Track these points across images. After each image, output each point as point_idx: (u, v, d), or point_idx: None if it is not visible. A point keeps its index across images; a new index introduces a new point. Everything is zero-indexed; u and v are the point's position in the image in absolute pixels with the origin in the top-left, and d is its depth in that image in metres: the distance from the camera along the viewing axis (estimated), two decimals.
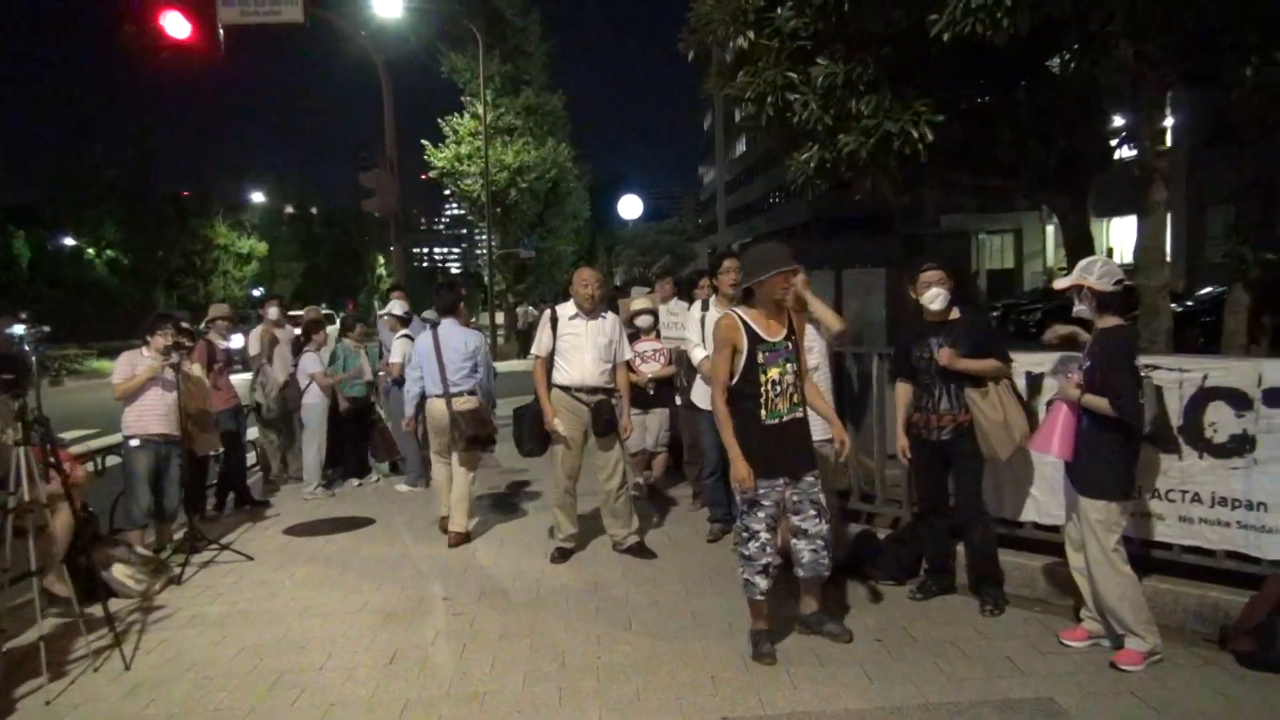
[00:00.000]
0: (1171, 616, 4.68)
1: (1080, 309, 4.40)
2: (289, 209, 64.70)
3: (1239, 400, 4.61)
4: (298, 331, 9.49)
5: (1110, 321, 4.38)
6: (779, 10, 6.58)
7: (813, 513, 4.53)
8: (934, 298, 5.02)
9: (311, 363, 8.85)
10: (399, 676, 4.53)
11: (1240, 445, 4.60)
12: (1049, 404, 5.08)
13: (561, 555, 6.29)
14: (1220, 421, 4.66)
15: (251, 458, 9.47)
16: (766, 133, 7.12)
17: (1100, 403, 4.24)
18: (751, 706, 4.06)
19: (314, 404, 8.79)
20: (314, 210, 67.68)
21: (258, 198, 57.40)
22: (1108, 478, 4.32)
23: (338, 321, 15.82)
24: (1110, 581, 4.31)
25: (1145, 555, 4.77)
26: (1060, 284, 4.49)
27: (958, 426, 5.01)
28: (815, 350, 5.50)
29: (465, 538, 6.90)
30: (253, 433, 9.37)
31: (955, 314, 5.09)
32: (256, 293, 50.85)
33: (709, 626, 4.97)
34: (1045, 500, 5.23)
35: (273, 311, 9.51)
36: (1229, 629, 4.42)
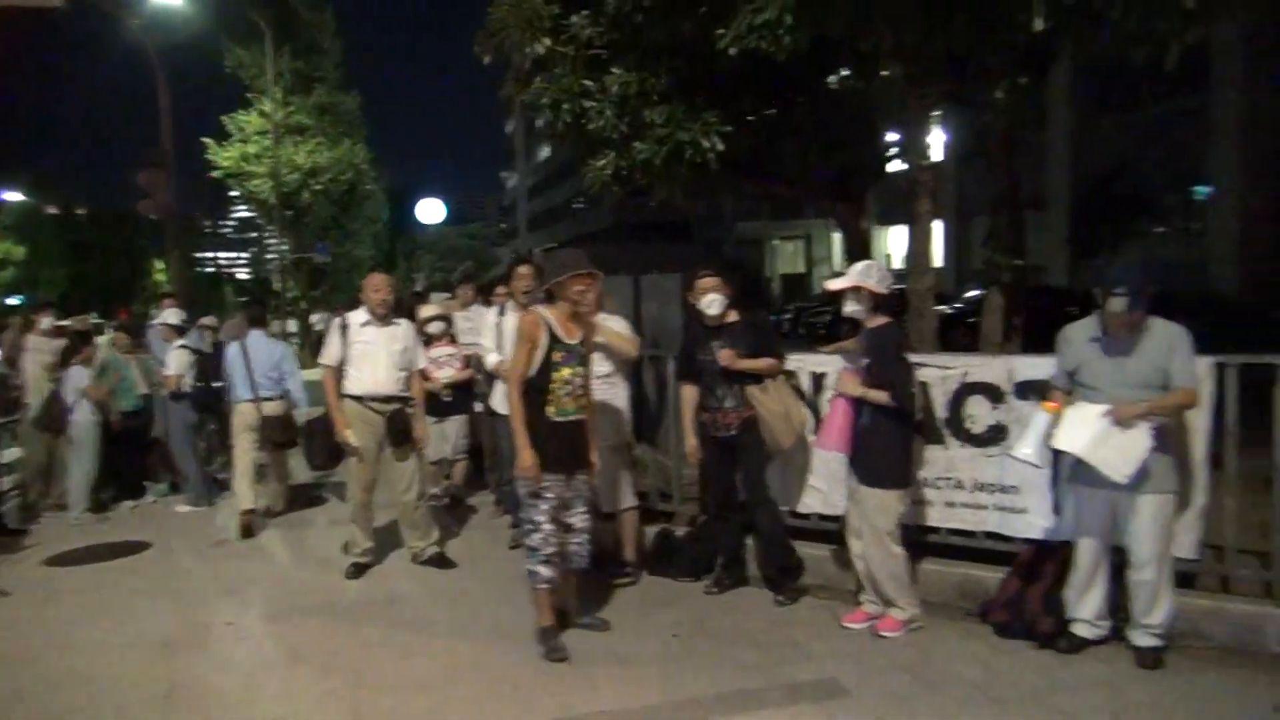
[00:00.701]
0: (939, 594, 5.07)
1: (854, 309, 4.71)
2: (51, 209, 59.30)
3: (994, 394, 5.06)
4: (62, 342, 8.75)
5: (880, 320, 4.72)
6: (574, 18, 6.65)
7: (582, 509, 4.81)
8: (710, 303, 5.25)
9: (79, 376, 8.16)
10: (176, 711, 4.24)
11: (995, 434, 5.05)
12: (831, 400, 5.40)
13: (357, 570, 6.08)
14: (978, 414, 5.10)
15: (7, 481, 8.61)
16: (564, 139, 7.18)
17: (880, 395, 4.57)
18: (552, 711, 4.08)
19: (83, 422, 8.11)
20: (81, 212, 62.32)
21: (13, 196, 52.28)
22: (887, 468, 4.67)
23: (110, 332, 14.70)
24: (882, 560, 4.70)
25: (919, 540, 5.15)
26: (835, 285, 4.79)
27: (744, 422, 5.23)
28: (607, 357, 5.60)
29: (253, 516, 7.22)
30: (11, 453, 8.52)
31: (733, 317, 5.33)
32: (13, 301, 46.27)
33: (510, 634, 4.95)
34: (829, 493, 5.53)
35: (45, 321, 8.88)
36: (988, 603, 4.83)
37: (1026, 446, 4.35)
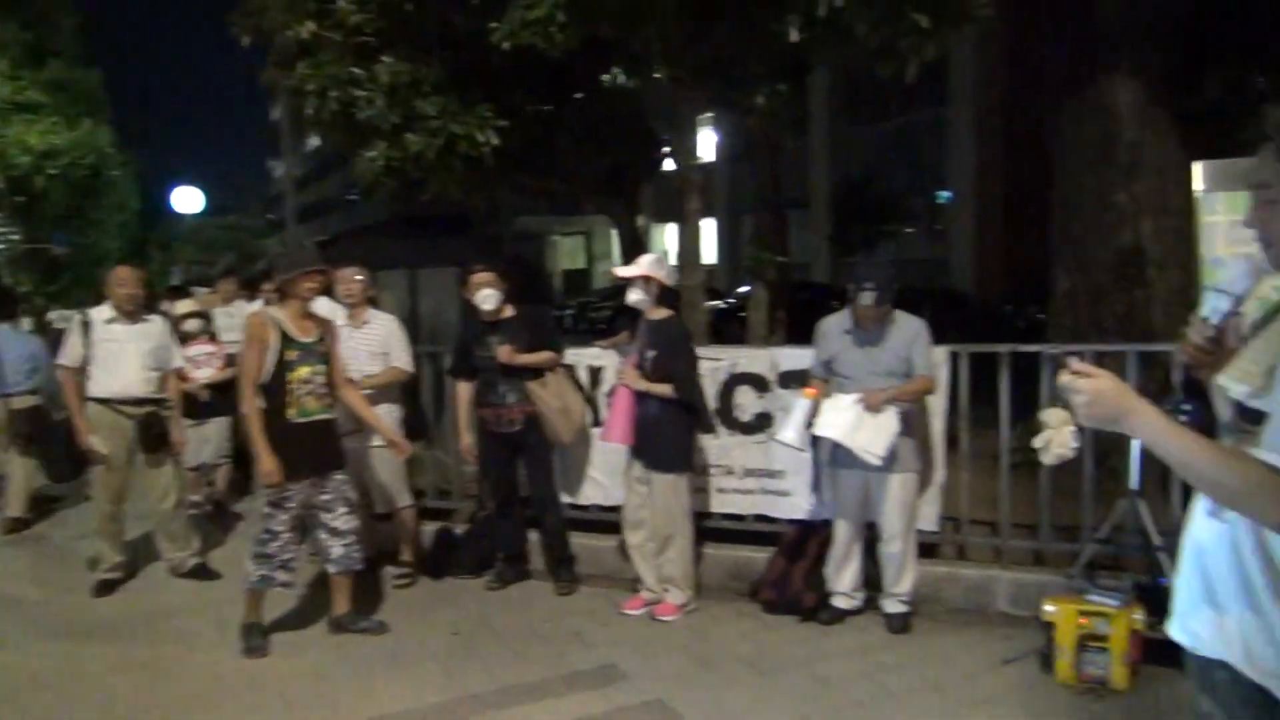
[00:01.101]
0: (713, 576, 5.29)
1: (639, 299, 4.83)
2: None
3: (760, 384, 5.33)
4: None
5: (664, 313, 4.88)
6: (340, 3, 6.40)
7: (344, 510, 4.70)
8: (485, 298, 5.23)
9: None
10: None
11: (762, 422, 5.33)
12: (609, 394, 5.52)
13: (105, 587, 5.60)
14: (746, 403, 5.36)
15: None
16: (332, 129, 6.92)
17: (664, 389, 4.72)
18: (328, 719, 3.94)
19: None
20: None
21: None
22: (676, 453, 4.85)
23: None
24: (678, 545, 4.87)
25: (697, 526, 5.34)
26: (626, 271, 4.91)
27: (526, 417, 5.25)
28: (380, 351, 5.44)
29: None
30: None
31: (510, 312, 5.34)
32: None
33: (281, 644, 4.73)
34: (608, 484, 5.64)
35: None
36: (757, 582, 5.09)
37: (789, 431, 4.61)
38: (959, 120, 20.94)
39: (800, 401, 4.61)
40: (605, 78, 7.16)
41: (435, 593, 5.44)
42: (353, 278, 5.44)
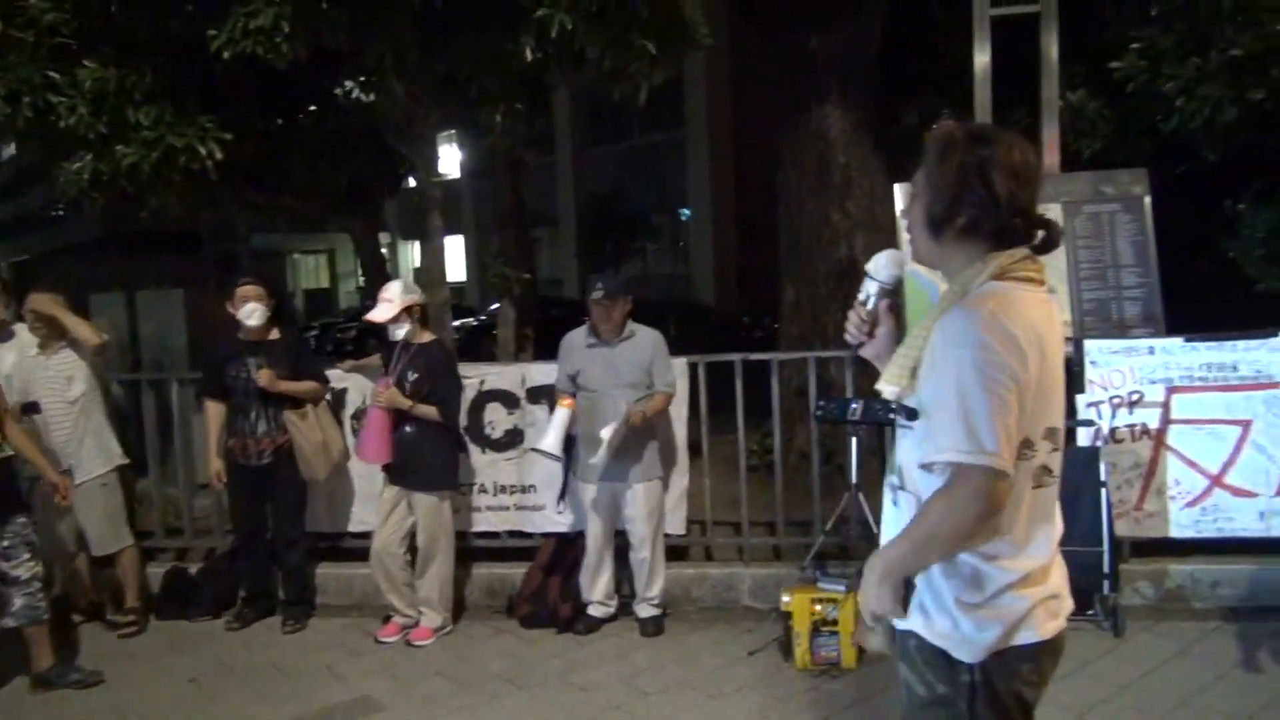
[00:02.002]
0: (470, 596, 5.25)
1: (406, 330, 4.72)
2: None
3: (510, 400, 5.35)
4: None
5: (428, 336, 4.84)
6: (31, 0, 5.80)
7: (26, 556, 4.29)
8: (250, 313, 4.95)
9: None
10: None
11: (514, 438, 5.35)
12: (354, 416, 5.36)
13: None
14: (497, 419, 5.36)
15: None
16: (27, 137, 6.24)
17: (429, 410, 4.66)
18: None
19: None
20: None
21: None
22: (439, 472, 4.79)
23: None
24: (437, 566, 4.79)
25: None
26: (380, 317, 4.73)
27: (277, 449, 4.98)
28: (78, 378, 4.95)
29: None
30: None
31: (275, 334, 5.07)
32: None
33: None
34: (360, 511, 5.45)
35: None
36: (514, 598, 5.10)
37: (549, 439, 4.64)
38: (695, 141, 21.97)
39: (559, 411, 4.66)
40: (339, 91, 6.92)
41: (168, 638, 5.03)
42: (40, 305, 4.90)
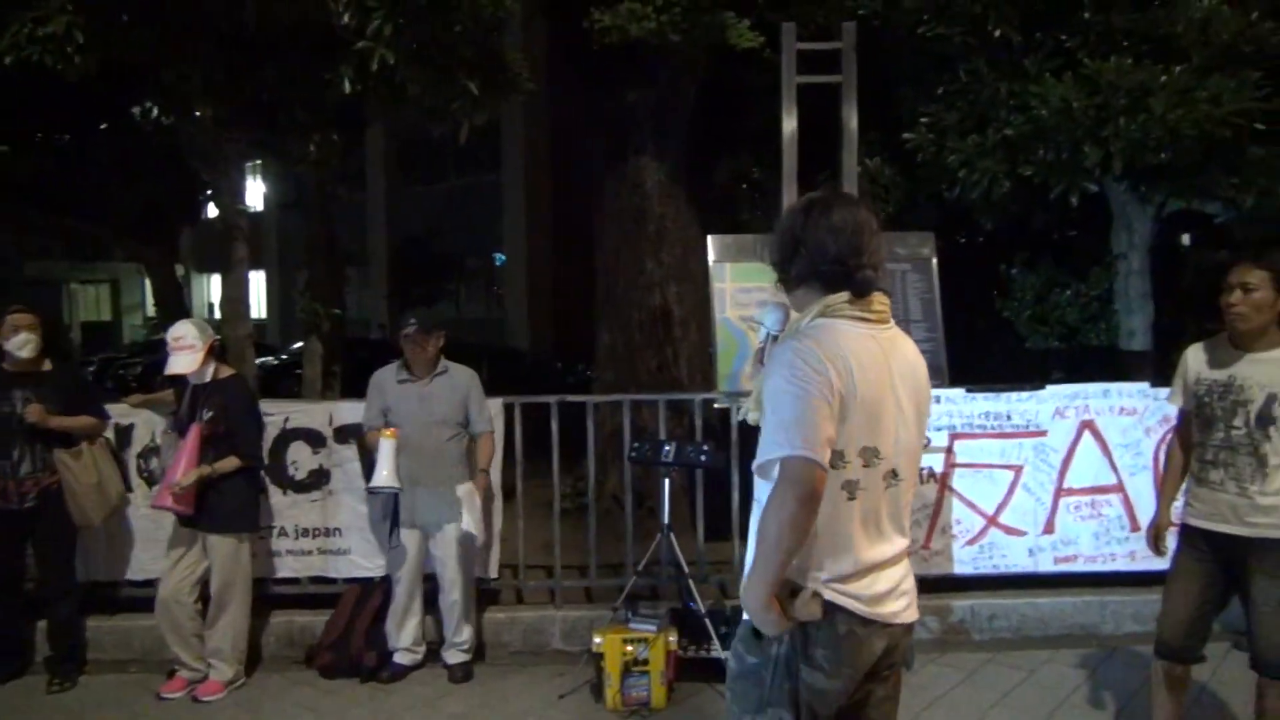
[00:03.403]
0: (265, 646, 4.95)
1: (202, 371, 4.44)
2: None
3: (316, 439, 5.14)
4: None
5: (226, 371, 4.60)
6: None
7: None
8: (22, 344, 4.52)
9: None
10: None
11: (318, 479, 5.13)
12: (140, 455, 5.01)
13: None
14: (301, 459, 5.13)
15: None
16: None
17: (229, 464, 4.43)
18: None
19: None
20: None
21: None
22: (234, 514, 4.52)
23: None
24: (230, 615, 4.52)
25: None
26: (186, 369, 4.42)
27: (43, 491, 4.55)
28: None
29: None
30: None
31: (48, 365, 4.66)
32: None
33: None
34: (142, 556, 5.06)
35: None
36: (314, 647, 4.85)
37: (384, 471, 4.46)
38: (511, 186, 22.01)
39: (385, 443, 4.48)
40: (136, 110, 6.52)
41: None
42: None
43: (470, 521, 4.56)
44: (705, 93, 7.37)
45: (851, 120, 5.62)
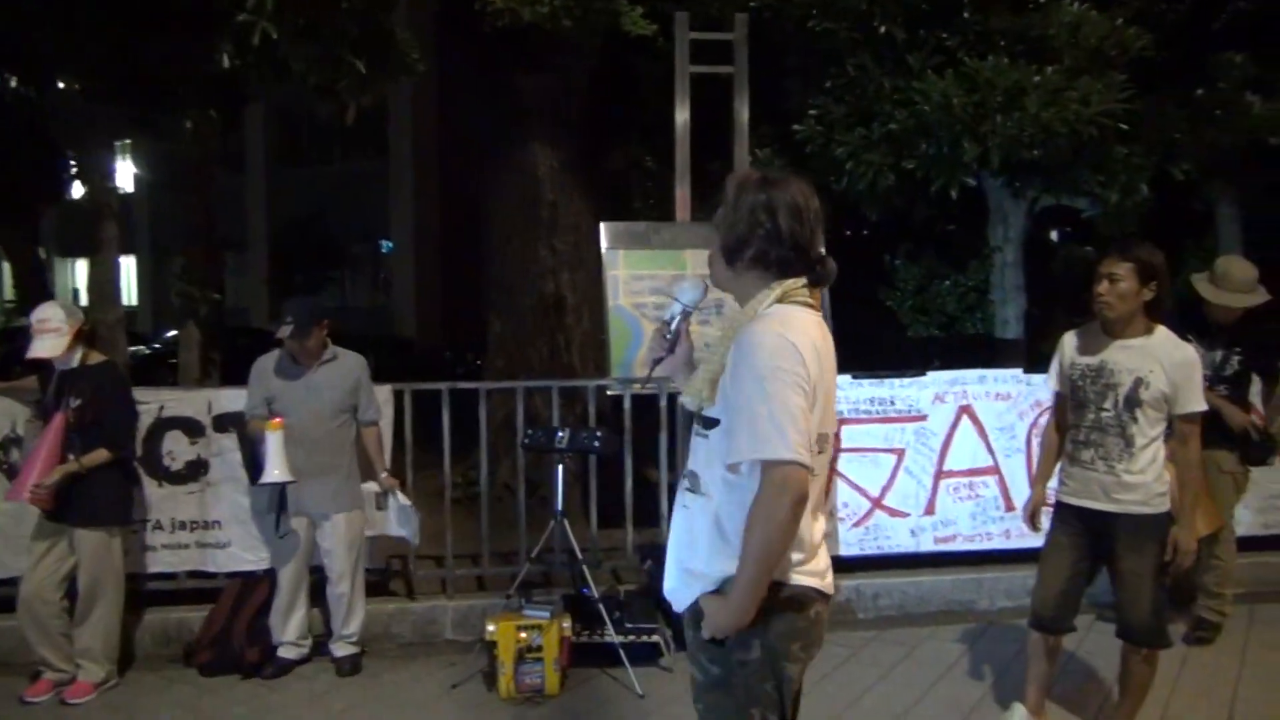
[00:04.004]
0: (139, 645, 4.74)
1: (69, 356, 4.21)
2: None
3: (194, 428, 4.93)
4: None
5: (97, 357, 4.37)
6: None
7: None
8: None
9: None
10: None
11: (196, 470, 4.92)
12: (0, 445, 4.73)
13: None
14: (178, 449, 4.91)
15: None
16: None
17: (97, 457, 4.19)
18: None
19: None
20: None
21: None
22: (104, 507, 4.29)
23: None
24: (101, 613, 4.29)
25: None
26: (51, 352, 4.16)
27: None
28: None
29: None
30: None
31: None
32: None
33: None
34: (3, 553, 4.77)
35: None
36: (193, 644, 4.66)
37: (275, 469, 4.29)
38: (400, 170, 21.55)
39: (271, 435, 4.31)
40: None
41: None
42: None
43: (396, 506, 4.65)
44: (599, 80, 7.36)
45: (743, 111, 5.70)
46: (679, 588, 2.23)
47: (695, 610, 2.17)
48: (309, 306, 4.51)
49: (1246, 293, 4.57)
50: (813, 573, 2.17)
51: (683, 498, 2.23)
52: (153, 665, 4.65)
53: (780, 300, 2.12)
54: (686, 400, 2.19)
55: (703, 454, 2.16)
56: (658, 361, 2.34)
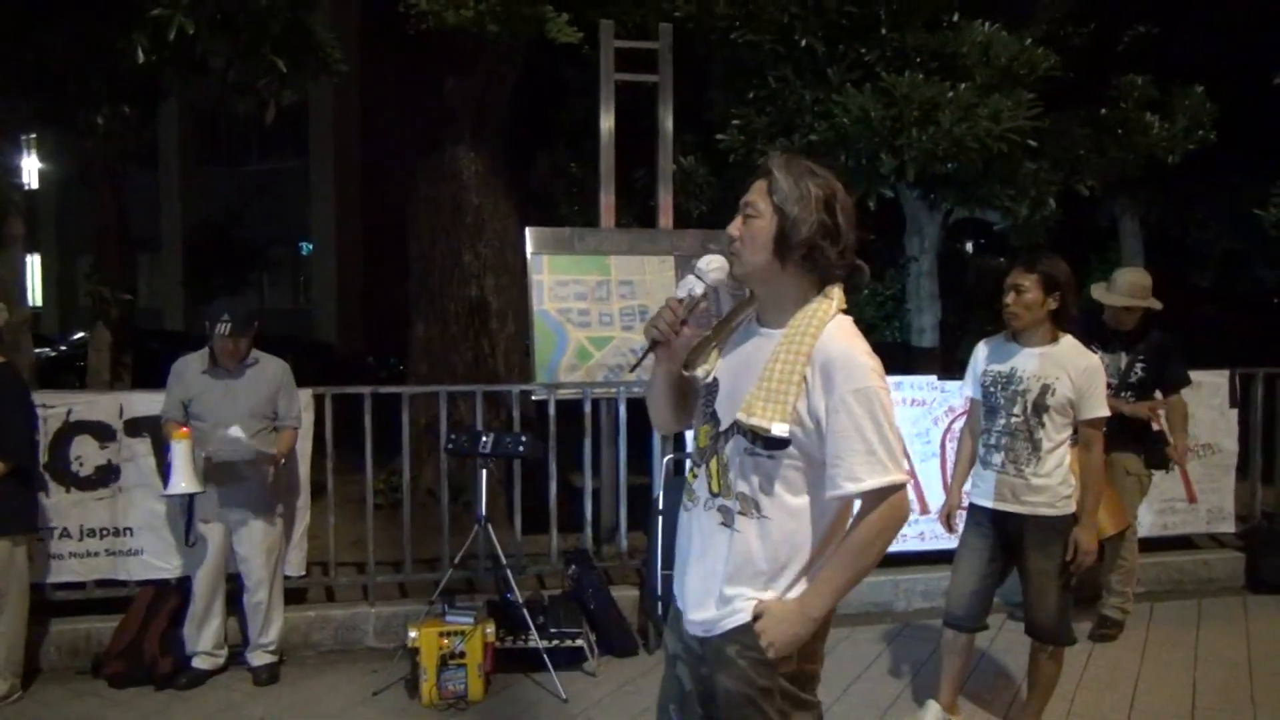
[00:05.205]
0: (45, 656, 4.58)
1: None
2: None
3: (104, 432, 4.78)
4: None
5: None
6: None
7: None
8: None
9: None
10: None
11: (106, 476, 4.78)
12: None
13: None
14: (86, 454, 4.76)
15: None
16: None
17: None
18: None
19: None
20: None
21: None
22: (6, 515, 4.15)
23: None
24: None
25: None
26: None
27: None
28: None
29: None
30: None
31: None
32: None
33: None
34: None
35: None
36: (101, 655, 4.52)
37: (181, 480, 4.18)
38: (320, 172, 21.17)
39: (178, 445, 4.19)
40: None
41: None
42: None
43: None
44: (524, 85, 7.37)
45: (667, 119, 5.77)
46: (719, 614, 2.05)
47: (740, 630, 2.03)
48: (244, 307, 4.46)
49: (1134, 296, 4.81)
50: None
51: (716, 517, 2.07)
52: (59, 678, 4.49)
53: (840, 310, 2.01)
54: (768, 425, 1.93)
55: (769, 475, 1.99)
56: (654, 346, 2.11)
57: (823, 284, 2.02)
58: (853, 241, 2.02)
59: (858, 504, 2.00)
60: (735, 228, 2.06)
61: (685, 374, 2.16)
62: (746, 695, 2.02)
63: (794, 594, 2.01)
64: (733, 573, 2.03)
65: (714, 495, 2.07)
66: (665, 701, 2.25)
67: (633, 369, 2.34)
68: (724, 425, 2.05)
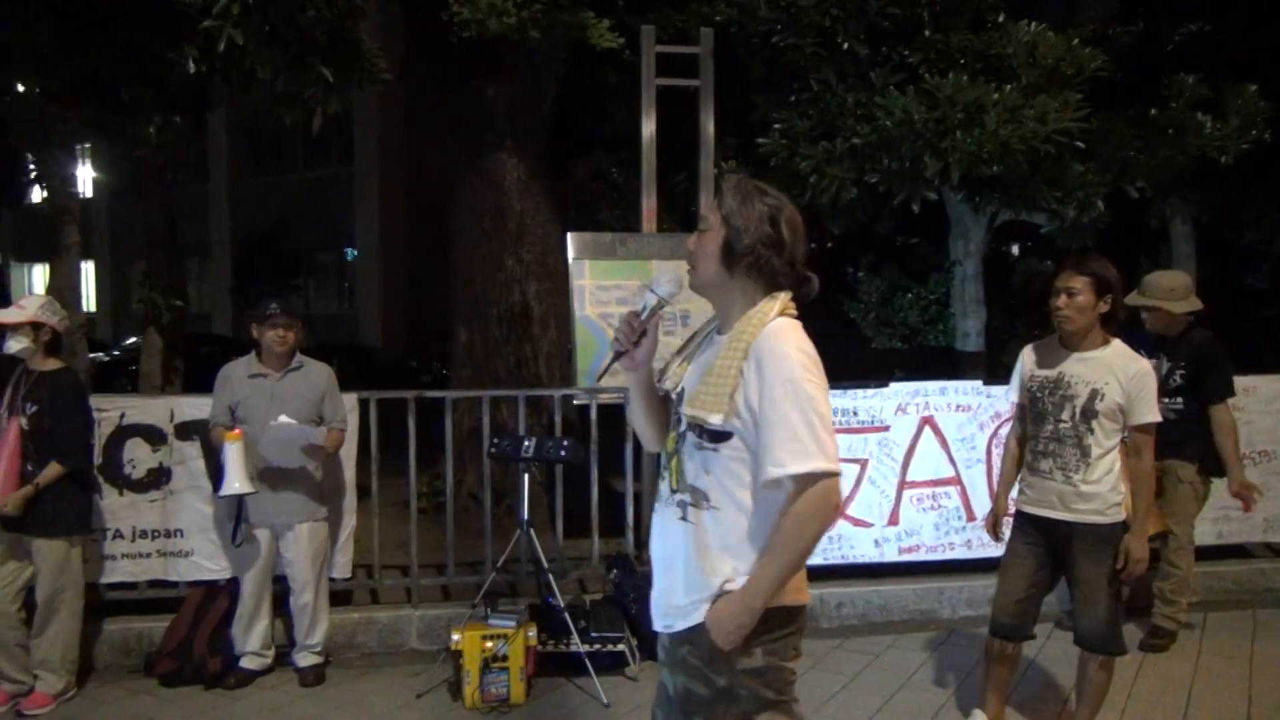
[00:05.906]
0: (99, 655, 4.68)
1: (23, 347, 4.19)
2: None
3: (155, 435, 4.88)
4: None
5: (54, 364, 4.30)
6: None
7: None
8: None
9: None
10: None
11: (158, 478, 4.87)
12: None
13: None
14: (139, 457, 4.86)
15: None
16: None
17: (52, 473, 4.14)
18: None
19: None
20: None
21: None
22: (63, 517, 4.23)
23: None
24: (61, 624, 4.23)
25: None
26: (8, 317, 4.18)
27: None
28: None
29: None
30: None
31: None
32: None
33: None
34: None
35: None
36: (153, 654, 4.60)
37: (235, 481, 4.25)
38: (365, 179, 21.44)
39: (230, 447, 4.27)
40: None
41: None
42: None
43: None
44: (566, 91, 7.39)
45: (708, 124, 5.75)
46: (685, 606, 2.16)
47: (692, 630, 2.14)
48: (293, 303, 4.54)
49: (1169, 300, 4.66)
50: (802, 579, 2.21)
51: (676, 512, 2.18)
52: (112, 676, 4.59)
53: (781, 314, 2.13)
54: (705, 416, 2.08)
55: (715, 467, 2.11)
56: (618, 356, 2.26)
57: (769, 292, 2.15)
58: (800, 254, 2.16)
59: None
60: (691, 242, 2.23)
61: (657, 387, 2.31)
62: (702, 695, 2.14)
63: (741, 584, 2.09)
64: (690, 571, 2.14)
65: (674, 492, 2.20)
66: (654, 707, 2.35)
67: (599, 377, 2.48)
68: (683, 425, 2.18)
